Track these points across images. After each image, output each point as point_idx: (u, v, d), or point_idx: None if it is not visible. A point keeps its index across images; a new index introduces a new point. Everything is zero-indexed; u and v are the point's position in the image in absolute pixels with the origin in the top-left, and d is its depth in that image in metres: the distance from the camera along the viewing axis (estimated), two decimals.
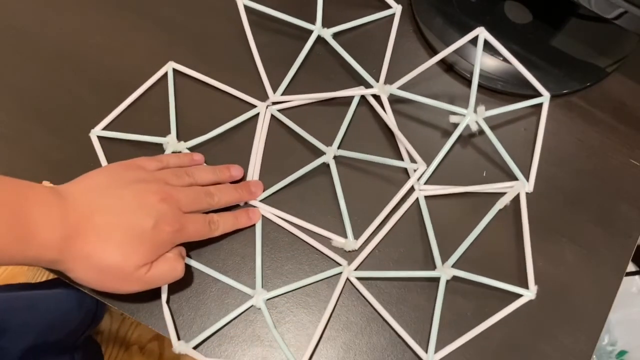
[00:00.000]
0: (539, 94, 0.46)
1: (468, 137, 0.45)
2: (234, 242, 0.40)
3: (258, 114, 0.45)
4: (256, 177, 0.43)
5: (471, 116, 0.42)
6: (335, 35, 0.48)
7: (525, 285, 0.39)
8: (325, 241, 0.41)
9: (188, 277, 0.39)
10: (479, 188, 0.42)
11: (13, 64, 0.47)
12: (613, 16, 0.41)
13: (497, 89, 0.46)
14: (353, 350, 0.38)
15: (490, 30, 0.48)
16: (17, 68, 0.46)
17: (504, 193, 0.41)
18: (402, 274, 0.39)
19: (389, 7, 0.50)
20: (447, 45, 0.44)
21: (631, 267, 0.90)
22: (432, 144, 0.44)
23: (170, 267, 0.35)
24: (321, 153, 0.43)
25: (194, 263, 0.39)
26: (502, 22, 0.49)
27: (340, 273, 0.39)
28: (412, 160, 0.43)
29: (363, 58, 0.46)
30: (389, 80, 0.46)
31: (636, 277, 0.89)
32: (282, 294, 0.39)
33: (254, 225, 0.40)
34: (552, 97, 0.46)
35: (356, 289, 0.39)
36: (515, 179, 0.43)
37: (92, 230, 0.31)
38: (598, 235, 0.42)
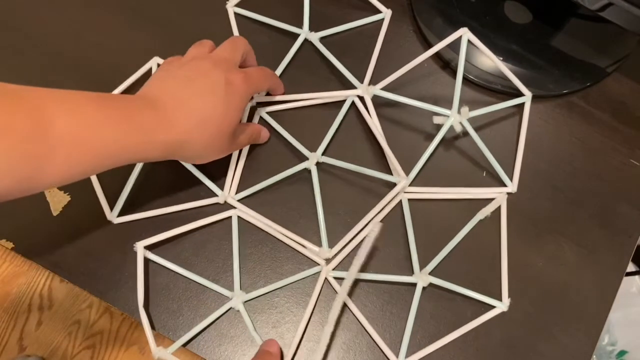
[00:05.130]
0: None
1: (457, 138, 0.45)
2: (213, 243, 0.40)
3: None
4: (237, 176, 0.42)
5: (455, 117, 0.42)
6: (329, 39, 0.47)
7: (511, 289, 0.40)
8: (305, 241, 0.41)
9: (185, 280, 0.40)
10: (463, 192, 0.42)
11: (9, 63, 0.47)
12: (597, 7, 0.41)
13: (497, 89, 0.46)
14: (353, 350, 0.38)
15: (491, 30, 0.48)
16: (14, 67, 0.46)
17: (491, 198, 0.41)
18: (379, 277, 0.39)
19: (379, 11, 0.49)
20: (448, 45, 0.44)
21: (631, 267, 0.90)
22: (419, 146, 0.44)
23: (251, 131, 0.41)
24: (306, 158, 0.43)
25: (177, 268, 0.39)
26: (502, 22, 0.49)
27: (319, 273, 0.40)
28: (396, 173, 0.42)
29: (356, 61, 0.46)
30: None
31: (636, 277, 0.89)
32: (262, 295, 0.39)
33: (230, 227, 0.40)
34: (552, 97, 0.46)
35: (333, 289, 0.39)
36: (501, 180, 0.43)
37: (185, 104, 0.35)
38: (598, 235, 0.42)
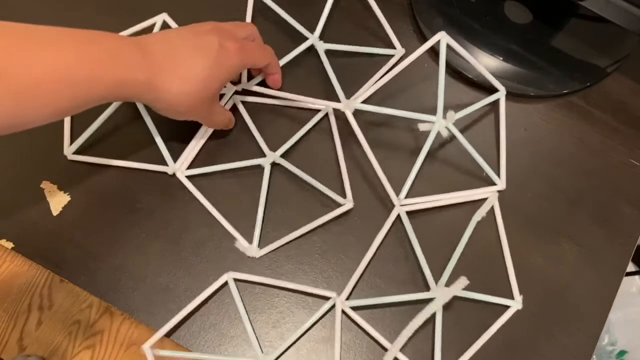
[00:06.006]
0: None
1: (444, 145, 0.44)
2: (216, 317, 0.39)
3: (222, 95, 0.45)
4: (193, 153, 0.42)
5: (440, 122, 0.41)
6: (335, 53, 0.47)
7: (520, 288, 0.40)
8: (308, 281, 0.40)
9: None
10: (456, 197, 0.42)
11: None
12: None
13: (496, 88, 0.46)
14: (353, 350, 0.38)
15: (491, 30, 0.48)
16: None
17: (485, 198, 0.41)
18: (397, 299, 0.38)
19: (394, 47, 0.48)
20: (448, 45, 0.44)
21: (631, 267, 0.90)
22: (408, 156, 0.43)
23: (226, 114, 0.42)
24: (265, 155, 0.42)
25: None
26: (502, 22, 0.49)
27: (334, 306, 0.38)
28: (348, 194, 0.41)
29: (354, 82, 0.45)
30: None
31: (636, 277, 0.89)
32: (286, 350, 0.38)
33: (231, 291, 0.39)
34: (552, 97, 0.46)
35: (352, 320, 0.38)
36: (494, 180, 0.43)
37: (174, 56, 0.35)
38: (598, 235, 0.42)
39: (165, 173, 0.42)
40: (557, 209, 0.43)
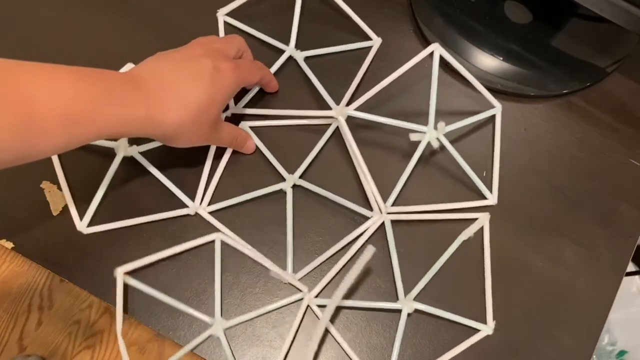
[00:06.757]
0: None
1: (434, 153, 0.44)
2: (195, 268, 0.39)
3: None
4: (211, 188, 0.42)
5: (431, 133, 0.41)
6: (315, 58, 0.47)
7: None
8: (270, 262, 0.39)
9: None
10: (445, 208, 0.41)
11: None
12: None
13: (497, 89, 0.46)
14: (353, 350, 0.38)
15: (491, 30, 0.48)
16: None
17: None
18: (363, 304, 0.38)
19: (370, 38, 0.48)
20: (448, 45, 0.44)
21: (631, 267, 0.90)
22: (397, 164, 0.43)
23: (233, 130, 0.41)
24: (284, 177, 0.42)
25: (154, 292, 0.38)
26: (502, 22, 0.49)
27: (302, 300, 0.39)
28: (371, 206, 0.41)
29: (341, 83, 0.45)
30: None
31: (636, 277, 0.89)
32: (243, 322, 0.38)
33: (213, 251, 0.39)
34: (552, 97, 0.46)
35: (317, 316, 0.38)
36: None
37: (169, 85, 0.35)
38: (598, 235, 0.42)
39: (188, 215, 0.41)
40: (557, 209, 0.43)
